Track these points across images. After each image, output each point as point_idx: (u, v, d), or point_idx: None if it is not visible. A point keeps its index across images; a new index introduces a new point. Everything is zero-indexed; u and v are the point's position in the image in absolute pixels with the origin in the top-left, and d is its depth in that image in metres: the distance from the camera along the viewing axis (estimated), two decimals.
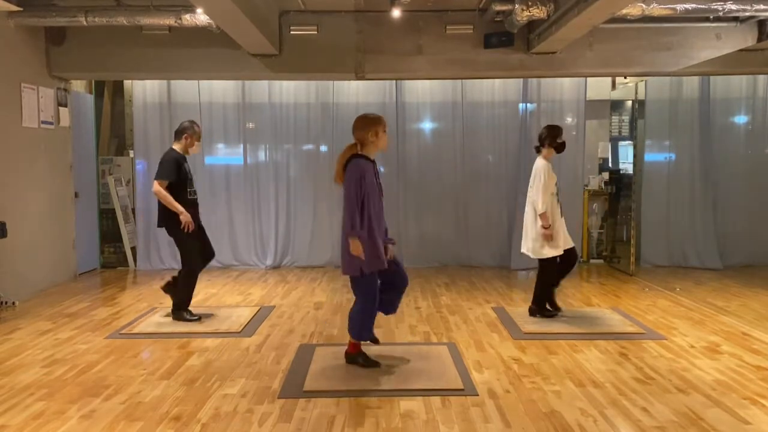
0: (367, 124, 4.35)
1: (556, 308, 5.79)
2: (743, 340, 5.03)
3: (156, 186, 5.45)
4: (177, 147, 5.64)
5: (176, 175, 5.49)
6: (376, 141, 4.34)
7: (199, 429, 3.44)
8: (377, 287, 4.36)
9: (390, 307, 4.55)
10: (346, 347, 4.53)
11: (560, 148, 5.61)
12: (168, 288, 5.70)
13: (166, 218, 5.52)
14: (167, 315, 5.74)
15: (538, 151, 5.64)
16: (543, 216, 5.43)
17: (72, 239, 7.77)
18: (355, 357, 4.44)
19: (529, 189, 5.62)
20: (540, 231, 5.47)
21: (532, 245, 5.58)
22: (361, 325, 4.37)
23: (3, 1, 5.91)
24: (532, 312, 5.73)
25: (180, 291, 5.65)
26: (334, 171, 4.38)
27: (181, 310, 5.66)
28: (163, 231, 7.91)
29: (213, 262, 8.35)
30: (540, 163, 5.54)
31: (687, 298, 6.58)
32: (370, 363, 4.41)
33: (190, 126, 5.68)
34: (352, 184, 4.20)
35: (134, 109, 8.45)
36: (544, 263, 5.60)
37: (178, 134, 5.68)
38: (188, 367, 4.46)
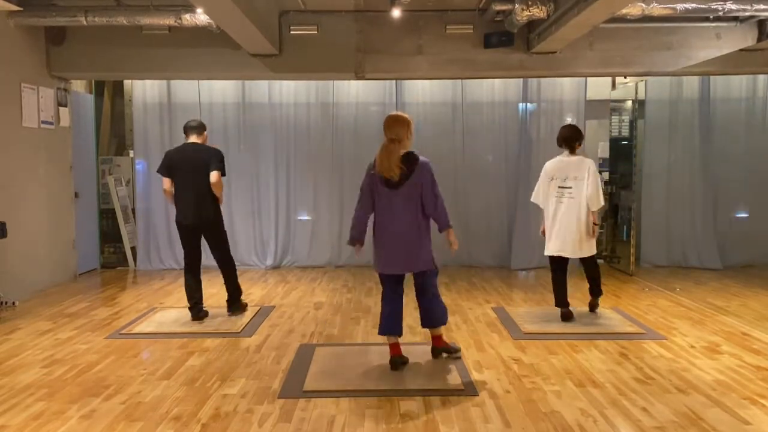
0: (408, 121, 4.38)
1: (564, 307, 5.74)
2: (743, 340, 5.03)
3: (217, 177, 5.54)
4: (200, 141, 5.71)
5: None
6: (410, 139, 4.39)
7: (199, 429, 3.44)
8: None
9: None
10: (431, 342, 4.65)
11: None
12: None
13: (218, 211, 5.70)
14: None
15: (573, 150, 5.59)
16: (594, 214, 5.53)
17: (72, 239, 7.77)
18: (441, 349, 4.60)
19: (569, 187, 5.51)
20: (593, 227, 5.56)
21: (588, 243, 5.58)
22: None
23: (3, 1, 5.91)
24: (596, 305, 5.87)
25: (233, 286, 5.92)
26: (393, 166, 4.24)
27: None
28: (163, 231, 7.97)
29: (213, 263, 8.41)
30: (590, 160, 5.62)
31: (687, 298, 6.58)
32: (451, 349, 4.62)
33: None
34: (435, 180, 4.39)
35: (134, 109, 8.45)
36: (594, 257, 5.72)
37: (201, 128, 5.77)
38: (188, 367, 4.46)
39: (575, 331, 5.27)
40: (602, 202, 5.50)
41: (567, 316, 5.57)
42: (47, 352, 4.80)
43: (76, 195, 7.87)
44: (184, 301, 5.82)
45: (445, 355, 4.59)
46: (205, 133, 5.77)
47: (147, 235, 8.42)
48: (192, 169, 5.52)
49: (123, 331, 5.36)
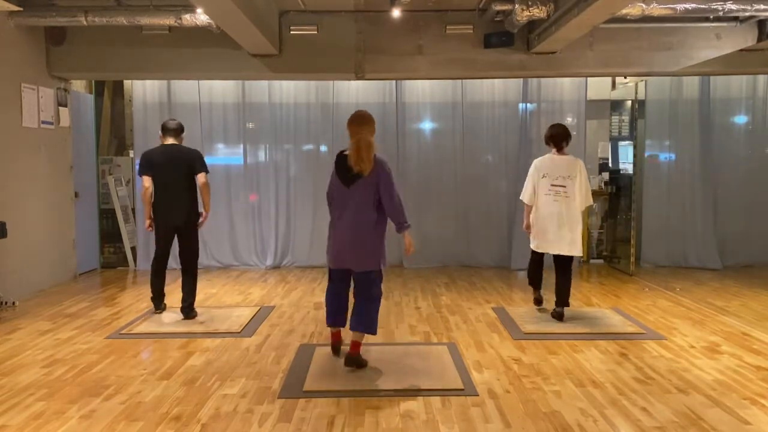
0: (373, 121, 4.46)
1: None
2: (743, 340, 5.03)
3: (206, 179, 5.59)
4: (177, 142, 5.71)
5: None
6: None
7: (199, 429, 3.44)
8: None
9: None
10: (348, 349, 4.46)
11: None
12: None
13: (196, 213, 5.69)
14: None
15: (561, 149, 5.65)
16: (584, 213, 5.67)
17: (72, 239, 7.77)
18: (359, 358, 4.39)
19: (561, 187, 5.55)
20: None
21: (578, 242, 5.56)
22: (375, 320, 4.44)
23: (3, 1, 5.91)
24: (561, 313, 5.66)
25: (195, 288, 5.82)
26: (363, 160, 4.29)
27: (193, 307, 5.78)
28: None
29: (213, 262, 8.49)
30: (579, 160, 5.63)
31: (687, 298, 6.58)
32: (363, 362, 4.44)
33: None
34: (393, 179, 4.34)
35: (134, 109, 8.45)
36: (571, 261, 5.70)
37: (180, 131, 5.76)
38: (188, 367, 4.46)
39: (575, 331, 5.27)
40: (591, 201, 5.60)
41: (539, 302, 5.98)
42: (47, 352, 4.80)
43: (76, 195, 7.87)
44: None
45: (354, 367, 4.36)
46: (182, 135, 5.78)
47: (147, 235, 8.38)
48: (174, 170, 5.59)
49: (123, 331, 5.36)
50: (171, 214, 5.64)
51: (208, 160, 8.30)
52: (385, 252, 4.46)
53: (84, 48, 7.30)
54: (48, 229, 7.21)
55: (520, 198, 5.87)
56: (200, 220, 5.72)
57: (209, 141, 8.46)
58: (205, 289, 7.07)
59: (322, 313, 6.03)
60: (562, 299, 5.61)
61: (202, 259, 8.35)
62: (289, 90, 8.40)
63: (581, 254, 5.66)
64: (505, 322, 5.63)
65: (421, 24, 7.22)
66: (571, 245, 5.54)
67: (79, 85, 8.24)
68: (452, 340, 5.09)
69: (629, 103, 8.39)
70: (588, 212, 8.62)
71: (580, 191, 5.51)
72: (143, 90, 8.34)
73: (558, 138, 5.63)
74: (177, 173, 5.56)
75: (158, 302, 5.91)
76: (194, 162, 5.60)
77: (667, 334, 5.21)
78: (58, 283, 7.36)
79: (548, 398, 3.85)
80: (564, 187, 5.55)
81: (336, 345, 4.66)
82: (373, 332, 4.42)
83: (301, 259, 8.57)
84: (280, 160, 8.54)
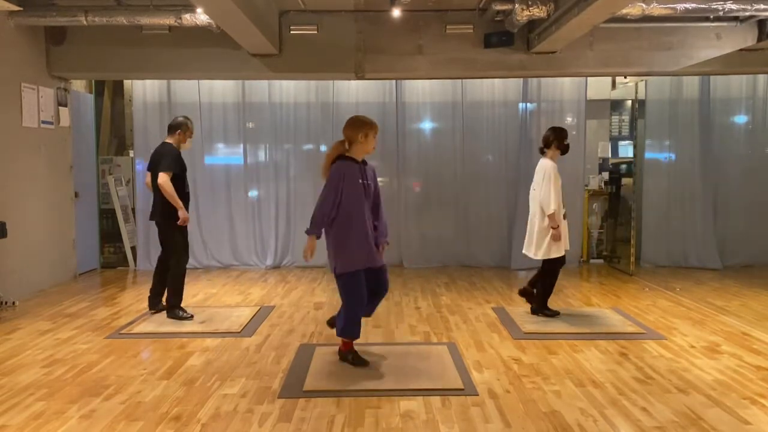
0: (360, 125, 4.38)
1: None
2: (743, 340, 5.03)
3: (164, 177, 5.46)
4: (171, 141, 5.68)
5: (179, 167, 5.60)
6: (364, 143, 4.37)
7: (199, 429, 3.44)
8: (362, 286, 4.36)
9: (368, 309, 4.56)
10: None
11: (565, 149, 5.66)
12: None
13: (165, 212, 5.56)
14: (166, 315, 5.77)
15: (543, 152, 5.66)
16: (552, 216, 5.42)
17: (72, 239, 7.77)
18: (345, 354, 4.47)
19: (532, 190, 5.68)
20: (550, 232, 5.47)
21: (536, 246, 5.56)
22: (344, 323, 4.40)
23: (3, 1, 5.91)
24: (535, 311, 5.77)
25: (174, 289, 5.70)
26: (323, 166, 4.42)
27: (175, 308, 5.70)
28: None
29: (213, 262, 8.50)
30: (548, 163, 5.52)
31: (687, 298, 6.58)
32: (359, 361, 4.43)
33: (184, 122, 5.76)
34: (330, 185, 4.27)
35: (134, 109, 8.45)
36: (549, 264, 5.61)
37: (173, 129, 5.73)
38: (188, 367, 4.46)
39: (575, 331, 5.27)
40: (551, 208, 5.41)
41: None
42: (47, 352, 4.80)
43: (76, 195, 7.87)
44: (185, 302, 5.83)
45: (342, 360, 4.51)
46: (179, 132, 5.69)
47: (147, 234, 8.40)
48: (152, 168, 5.64)
49: (123, 331, 5.36)
50: (151, 209, 5.74)
51: (207, 159, 8.49)
52: (350, 259, 4.39)
53: (84, 48, 7.30)
54: (48, 229, 7.21)
55: (553, 209, 5.53)
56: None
57: (209, 141, 8.46)
58: (205, 289, 7.07)
59: (322, 313, 6.06)
60: (527, 293, 5.82)
61: (202, 259, 8.42)
62: (289, 90, 8.40)
63: (545, 257, 5.55)
64: (505, 322, 5.63)
65: (421, 24, 7.22)
66: (534, 249, 5.61)
67: (79, 85, 8.24)
68: (452, 340, 5.09)
69: (629, 102, 8.40)
70: (588, 212, 8.63)
71: (540, 195, 5.48)
72: (143, 90, 8.34)
73: (542, 140, 5.69)
74: (154, 171, 5.59)
75: (154, 301, 5.88)
76: (160, 160, 5.56)
77: (667, 334, 5.21)
78: (58, 283, 7.36)
79: (548, 398, 3.85)
80: (534, 190, 5.64)
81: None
82: (340, 335, 4.45)
83: (301, 259, 8.50)
84: (280, 159, 8.54)
